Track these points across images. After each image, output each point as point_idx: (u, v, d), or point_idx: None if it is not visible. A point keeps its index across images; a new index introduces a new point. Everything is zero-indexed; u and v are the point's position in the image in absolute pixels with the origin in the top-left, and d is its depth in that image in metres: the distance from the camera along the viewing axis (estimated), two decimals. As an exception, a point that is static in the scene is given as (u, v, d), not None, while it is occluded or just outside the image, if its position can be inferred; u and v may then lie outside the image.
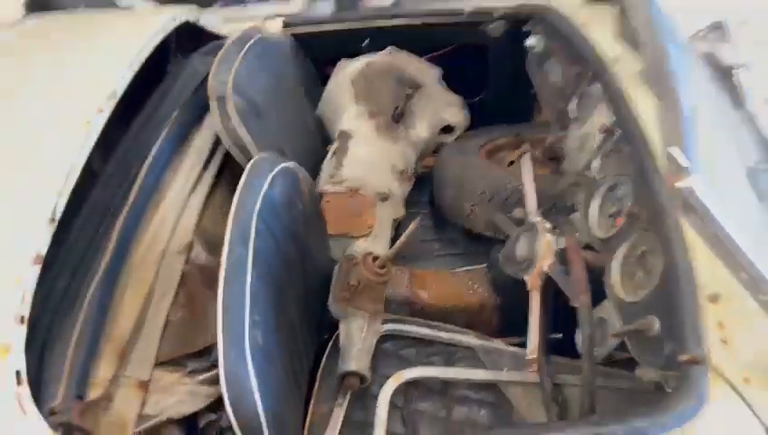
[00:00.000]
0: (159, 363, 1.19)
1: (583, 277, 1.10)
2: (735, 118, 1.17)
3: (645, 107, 1.20)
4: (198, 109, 1.60)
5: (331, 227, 1.48)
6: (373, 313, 1.32)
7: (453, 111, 1.89)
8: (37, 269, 0.95)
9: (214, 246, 1.44)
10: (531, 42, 1.76)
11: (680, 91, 0.83)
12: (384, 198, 1.62)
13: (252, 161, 1.17)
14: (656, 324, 0.96)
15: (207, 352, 1.22)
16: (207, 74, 1.59)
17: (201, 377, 1.19)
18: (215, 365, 1.20)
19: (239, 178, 1.15)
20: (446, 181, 1.70)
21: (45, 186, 1.04)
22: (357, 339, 1.29)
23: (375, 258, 1.31)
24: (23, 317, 0.91)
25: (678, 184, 0.67)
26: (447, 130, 1.92)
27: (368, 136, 1.73)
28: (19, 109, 1.24)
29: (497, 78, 2.04)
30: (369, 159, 1.67)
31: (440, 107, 1.87)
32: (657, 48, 0.92)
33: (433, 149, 1.93)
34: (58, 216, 1.01)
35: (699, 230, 0.77)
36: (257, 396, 0.91)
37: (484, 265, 1.59)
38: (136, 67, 1.34)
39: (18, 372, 0.88)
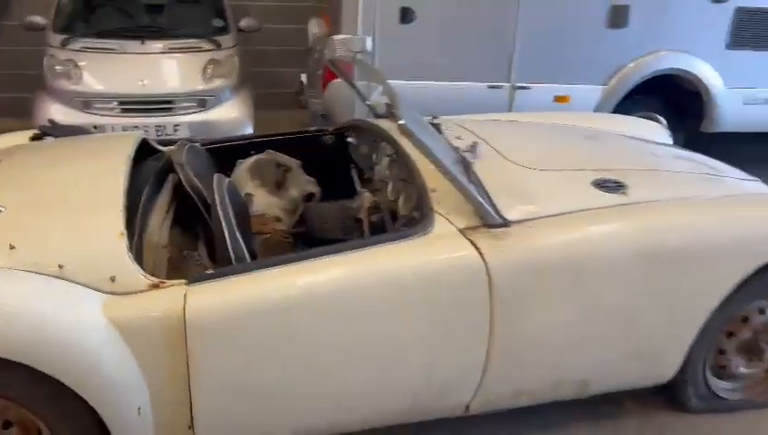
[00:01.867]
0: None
1: (378, 201, 2.34)
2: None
3: (403, 143, 2.55)
4: (159, 182, 2.68)
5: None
6: (284, 261, 2.39)
7: (311, 185, 3.14)
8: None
9: (179, 248, 2.46)
10: (350, 139, 3.14)
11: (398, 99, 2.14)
12: (278, 220, 2.76)
13: (216, 176, 2.29)
14: (416, 215, 2.20)
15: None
16: (162, 164, 2.72)
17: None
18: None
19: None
20: (313, 212, 2.89)
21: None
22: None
23: (282, 230, 2.42)
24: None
25: (399, 122, 1.94)
26: (308, 198, 3.14)
27: (264, 195, 2.89)
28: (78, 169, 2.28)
29: (332, 170, 3.34)
30: (267, 204, 2.83)
31: (303, 182, 3.11)
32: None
33: (301, 212, 3.12)
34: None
35: (415, 147, 2.03)
36: (243, 245, 1.97)
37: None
38: (136, 145, 2.45)
39: (127, 246, 1.86)
